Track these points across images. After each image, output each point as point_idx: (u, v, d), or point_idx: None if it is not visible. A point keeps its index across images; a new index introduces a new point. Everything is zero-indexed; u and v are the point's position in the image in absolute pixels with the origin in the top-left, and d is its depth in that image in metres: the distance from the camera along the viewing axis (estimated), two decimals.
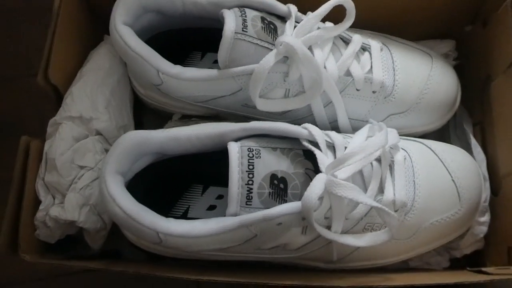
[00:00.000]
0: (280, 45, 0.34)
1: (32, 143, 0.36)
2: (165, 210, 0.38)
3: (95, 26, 0.44)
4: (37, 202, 0.36)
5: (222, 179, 0.39)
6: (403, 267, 0.41)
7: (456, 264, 0.42)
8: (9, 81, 0.54)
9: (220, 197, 0.40)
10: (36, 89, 0.49)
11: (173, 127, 0.43)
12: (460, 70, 0.45)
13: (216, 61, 0.43)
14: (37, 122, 0.48)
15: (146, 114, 0.47)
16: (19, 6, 0.57)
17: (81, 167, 0.36)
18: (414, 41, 0.45)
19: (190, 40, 0.43)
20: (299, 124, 0.36)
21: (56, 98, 0.40)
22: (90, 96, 0.38)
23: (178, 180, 0.39)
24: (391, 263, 0.39)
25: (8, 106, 0.53)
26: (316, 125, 0.36)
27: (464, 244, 0.41)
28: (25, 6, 0.57)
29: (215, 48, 0.39)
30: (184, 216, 0.39)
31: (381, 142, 0.32)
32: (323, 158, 0.32)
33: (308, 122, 0.36)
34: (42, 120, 0.40)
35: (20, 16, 0.56)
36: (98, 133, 0.38)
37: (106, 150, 0.38)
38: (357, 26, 0.41)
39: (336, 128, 0.40)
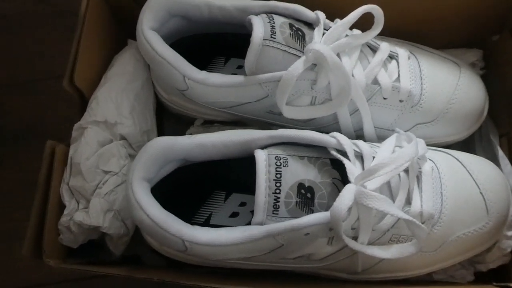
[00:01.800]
0: (309, 52, 0.34)
1: (58, 147, 0.36)
2: (187, 216, 0.38)
3: (119, 31, 0.45)
4: (62, 206, 0.36)
5: (245, 186, 0.39)
6: (427, 279, 0.40)
7: (481, 278, 0.42)
8: (30, 84, 0.55)
9: (243, 204, 0.39)
10: (56, 92, 0.50)
11: (195, 132, 0.43)
12: (487, 80, 0.44)
13: (239, 67, 0.43)
14: (58, 125, 0.49)
15: (166, 119, 0.47)
16: (40, 9, 0.57)
17: (106, 172, 0.36)
18: (440, 50, 0.44)
19: (214, 45, 0.43)
20: (324, 132, 0.35)
21: (81, 103, 0.40)
22: (115, 101, 0.38)
23: (201, 186, 0.39)
24: (415, 275, 0.38)
25: (30, 109, 0.53)
26: (341, 133, 0.36)
27: (490, 258, 0.40)
28: (46, 9, 0.57)
29: (238, 53, 0.39)
30: (207, 222, 0.38)
31: (412, 153, 0.32)
32: (352, 168, 0.32)
33: (333, 130, 0.36)
34: (63, 123, 0.41)
35: (41, 19, 0.57)
36: (123, 138, 0.38)
37: (130, 155, 0.38)
38: (383, 34, 0.41)
39: (361, 136, 0.39)
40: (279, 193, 0.31)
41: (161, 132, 0.46)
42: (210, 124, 0.43)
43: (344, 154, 0.33)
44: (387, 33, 0.41)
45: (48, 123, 0.53)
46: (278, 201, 0.31)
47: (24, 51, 0.56)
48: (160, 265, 0.42)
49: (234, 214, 0.39)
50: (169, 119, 0.47)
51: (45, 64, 0.55)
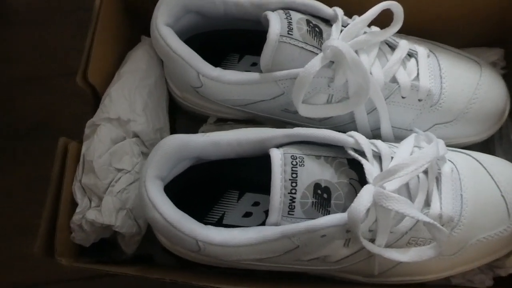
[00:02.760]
0: (327, 49, 0.33)
1: (70, 144, 0.36)
2: (200, 215, 0.38)
3: (132, 27, 0.44)
4: (74, 204, 0.35)
5: (258, 185, 0.38)
6: (444, 284, 0.40)
7: (500, 283, 0.40)
8: (42, 80, 0.55)
9: (256, 204, 0.39)
10: (68, 88, 0.49)
11: (207, 130, 0.42)
12: (508, 80, 0.43)
13: (254, 64, 0.42)
14: (70, 121, 0.48)
15: (179, 116, 0.46)
16: (51, 5, 0.57)
17: (118, 170, 0.36)
18: (460, 48, 0.43)
19: (228, 41, 0.42)
20: (340, 131, 0.34)
21: (94, 99, 0.39)
22: (128, 98, 0.38)
23: (214, 185, 0.38)
24: (433, 279, 0.37)
25: (43, 106, 0.53)
26: (357, 132, 0.35)
27: (510, 263, 0.39)
28: (57, 5, 0.57)
29: (253, 50, 0.38)
30: (220, 222, 0.38)
31: (433, 154, 0.31)
32: (370, 168, 0.31)
33: (349, 129, 0.35)
34: (76, 120, 0.40)
35: (53, 15, 0.57)
36: (135, 135, 0.37)
37: (143, 153, 0.38)
38: (402, 32, 0.40)
39: (377, 136, 0.39)
40: (295, 193, 0.30)
41: (173, 130, 0.45)
42: (224, 122, 0.42)
43: (362, 154, 0.32)
44: (405, 31, 0.41)
45: (62, 120, 0.52)
46: (294, 202, 0.31)
47: (37, 47, 0.56)
48: (172, 264, 0.42)
49: (248, 214, 0.38)
50: (182, 116, 0.46)
51: (59, 60, 0.55)
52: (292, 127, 0.34)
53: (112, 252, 0.40)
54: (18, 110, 0.54)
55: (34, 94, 0.54)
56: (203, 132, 0.41)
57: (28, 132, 0.53)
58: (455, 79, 0.39)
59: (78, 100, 0.47)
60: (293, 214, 0.31)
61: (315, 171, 0.31)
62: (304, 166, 0.31)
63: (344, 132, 0.34)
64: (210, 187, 0.38)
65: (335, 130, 0.34)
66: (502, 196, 0.36)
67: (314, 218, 0.31)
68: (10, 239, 0.48)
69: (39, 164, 0.47)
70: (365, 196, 0.29)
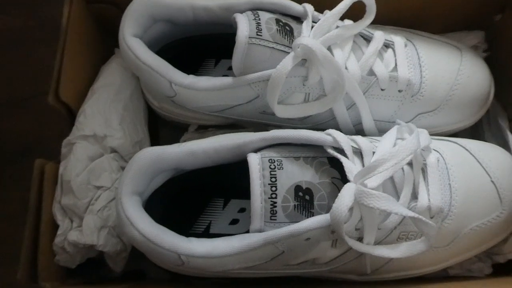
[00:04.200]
0: (298, 48, 0.32)
1: (47, 165, 0.35)
2: (186, 227, 0.37)
3: (105, 40, 0.43)
4: (55, 227, 0.35)
5: (243, 191, 0.37)
6: (442, 275, 0.39)
7: (500, 270, 0.40)
8: (26, 101, 0.54)
9: (242, 210, 0.38)
10: (52, 109, 0.49)
11: (189, 139, 0.41)
12: (491, 62, 0.42)
13: (230, 68, 0.42)
14: (56, 142, 0.48)
15: (162, 127, 0.46)
16: (32, 24, 0.56)
17: (98, 188, 0.35)
18: (439, 34, 0.42)
19: (203, 47, 0.41)
20: (321, 130, 0.33)
21: (70, 118, 0.38)
22: (103, 113, 0.37)
23: (198, 195, 0.38)
24: (430, 272, 0.37)
25: (27, 127, 0.52)
26: (340, 130, 0.34)
27: (507, 249, 0.38)
28: (38, 25, 0.56)
29: (228, 54, 0.37)
30: (206, 232, 0.37)
31: (414, 146, 0.30)
32: (351, 165, 0.30)
33: (331, 127, 0.34)
34: (60, 141, 0.40)
35: (35, 35, 0.56)
36: (113, 150, 0.37)
37: (123, 168, 0.37)
38: (378, 22, 0.39)
39: (361, 131, 0.38)
40: (276, 197, 0.30)
41: (156, 141, 0.45)
42: (205, 130, 0.42)
43: (342, 151, 0.31)
44: (382, 21, 0.40)
45: (47, 141, 0.51)
46: (276, 206, 0.30)
47: (16, 68, 0.55)
48: (165, 278, 0.41)
49: (234, 221, 0.37)
50: (164, 127, 0.46)
51: (40, 80, 0.54)
52: (274, 129, 0.33)
53: (102, 270, 0.39)
54: (3, 134, 0.53)
55: (18, 117, 0.53)
56: (184, 141, 0.41)
57: (15, 156, 0.52)
58: (435, 66, 0.38)
59: (62, 120, 0.46)
60: (275, 219, 0.30)
61: (295, 173, 0.31)
62: (283, 169, 0.30)
63: (326, 130, 0.33)
64: (194, 197, 0.37)
65: (316, 129, 0.34)
66: (492, 181, 0.35)
67: (298, 221, 0.30)
68: None
69: (27, 189, 0.46)
70: (346, 195, 0.29)
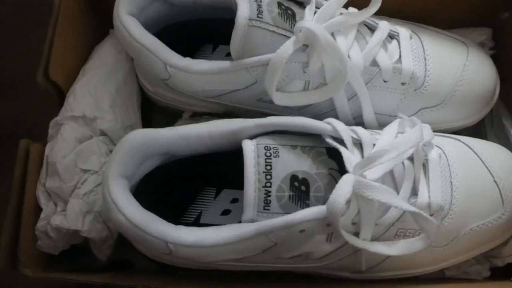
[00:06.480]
0: (300, 31, 0.31)
1: (32, 146, 0.33)
2: (176, 216, 0.35)
3: (100, 21, 0.42)
4: (38, 210, 0.33)
5: (236, 181, 0.36)
6: (438, 276, 0.38)
7: (498, 273, 0.39)
8: (15, 85, 0.52)
9: (235, 200, 0.36)
10: (41, 92, 0.47)
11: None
12: (497, 60, 0.41)
13: (229, 54, 0.40)
14: (44, 128, 0.46)
15: (155, 113, 0.44)
16: (24, 11, 0.55)
17: (85, 171, 0.33)
18: (446, 30, 0.41)
19: (201, 32, 0.40)
20: (320, 120, 0.32)
21: (59, 98, 0.37)
22: (94, 95, 0.36)
23: (189, 183, 0.36)
24: (426, 272, 0.35)
25: (15, 111, 0.51)
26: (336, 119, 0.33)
27: (507, 252, 0.37)
28: (31, 10, 0.55)
29: (227, 40, 0.36)
30: (197, 222, 0.36)
31: (416, 139, 0.29)
32: (350, 156, 0.29)
33: (330, 117, 0.33)
34: (47, 124, 0.38)
35: (27, 19, 0.54)
36: (103, 133, 0.35)
37: (111, 152, 0.35)
38: (383, 14, 0.38)
39: (360, 124, 0.36)
40: (270, 186, 0.28)
41: (149, 127, 0.43)
42: (199, 117, 0.40)
43: (341, 142, 0.30)
44: (387, 14, 0.39)
45: (33, 125, 0.50)
46: (270, 196, 0.29)
47: (4, 51, 0.54)
48: (151, 269, 0.39)
49: (226, 212, 0.36)
50: (158, 113, 0.44)
51: (31, 65, 0.53)
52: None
53: (87, 258, 0.38)
54: None
55: (5, 101, 0.52)
56: None
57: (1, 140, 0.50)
58: (440, 60, 0.37)
59: (49, 103, 0.45)
60: (269, 209, 0.29)
61: (291, 162, 0.29)
62: (279, 157, 0.29)
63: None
64: (185, 185, 0.36)
65: (315, 119, 0.32)
66: (495, 181, 0.34)
67: (292, 213, 0.28)
68: None
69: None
70: (344, 186, 0.27)
